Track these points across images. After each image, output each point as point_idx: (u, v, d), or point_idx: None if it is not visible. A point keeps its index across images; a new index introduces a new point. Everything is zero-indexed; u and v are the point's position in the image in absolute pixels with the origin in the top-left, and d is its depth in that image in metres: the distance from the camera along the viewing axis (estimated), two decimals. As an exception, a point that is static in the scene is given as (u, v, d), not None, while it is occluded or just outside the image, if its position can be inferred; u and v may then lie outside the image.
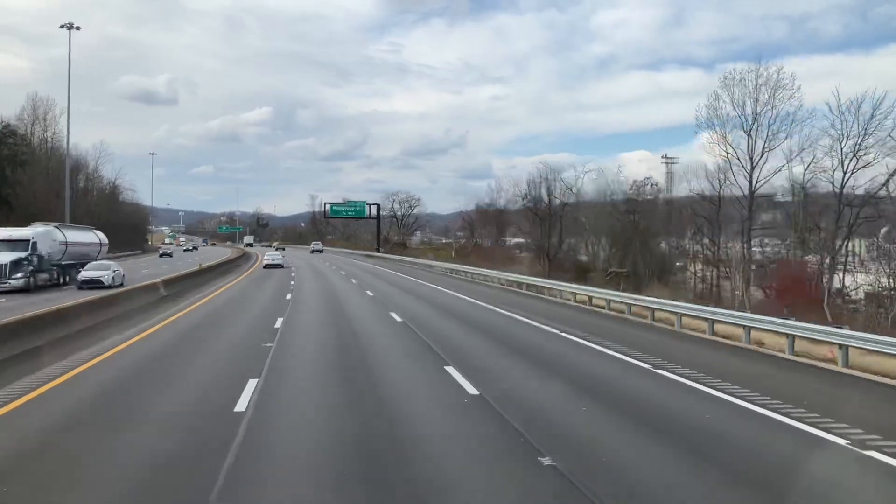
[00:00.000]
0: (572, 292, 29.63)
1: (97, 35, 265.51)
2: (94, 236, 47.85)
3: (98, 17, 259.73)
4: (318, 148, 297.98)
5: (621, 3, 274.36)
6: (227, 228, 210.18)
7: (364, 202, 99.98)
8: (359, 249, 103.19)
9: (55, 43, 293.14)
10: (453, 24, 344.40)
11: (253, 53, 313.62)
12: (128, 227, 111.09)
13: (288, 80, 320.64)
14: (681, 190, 57.56)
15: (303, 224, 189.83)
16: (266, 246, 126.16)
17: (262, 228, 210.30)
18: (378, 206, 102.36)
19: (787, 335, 15.38)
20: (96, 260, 41.41)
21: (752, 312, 24.33)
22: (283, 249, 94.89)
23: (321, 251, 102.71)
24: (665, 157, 64.32)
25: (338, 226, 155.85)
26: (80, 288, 33.79)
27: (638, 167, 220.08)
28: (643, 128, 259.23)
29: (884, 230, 46.09)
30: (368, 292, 32.49)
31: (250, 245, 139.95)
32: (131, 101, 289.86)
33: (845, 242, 44.22)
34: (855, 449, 7.78)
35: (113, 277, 35.46)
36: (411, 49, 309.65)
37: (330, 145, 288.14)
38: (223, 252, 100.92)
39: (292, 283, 39.48)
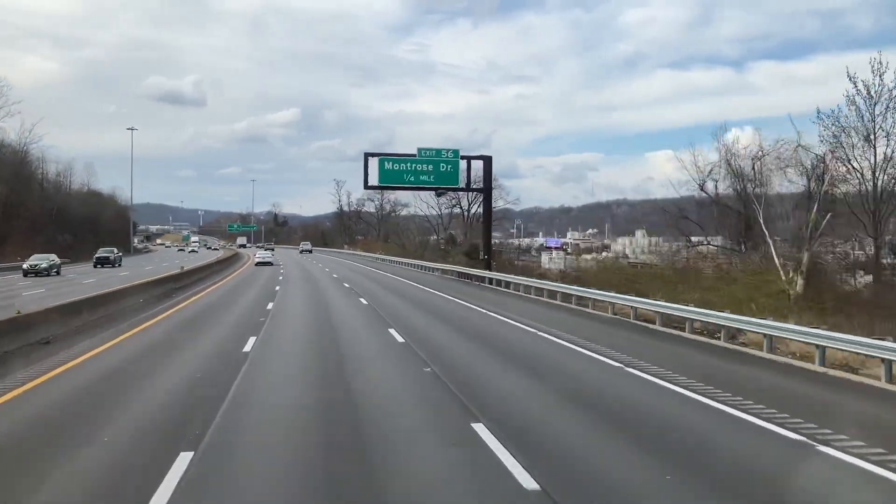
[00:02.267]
0: None
1: (124, 37, 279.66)
2: None
3: (124, 20, 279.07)
4: (344, 148, 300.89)
5: (649, 0, 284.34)
6: (239, 227, 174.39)
7: (457, 152, 43.34)
8: (414, 258, 59.69)
9: (84, 45, 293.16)
10: (478, 24, 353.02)
11: (279, 54, 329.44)
12: (66, 223, 74.95)
13: (314, 81, 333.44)
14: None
15: (328, 224, 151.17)
16: (259, 247, 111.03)
17: (280, 228, 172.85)
18: (488, 160, 45.79)
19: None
20: None
21: None
22: (273, 249, 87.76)
23: (310, 251, 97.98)
24: None
25: (372, 221, 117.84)
26: None
27: (666, 167, 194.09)
28: (669, 127, 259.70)
29: None
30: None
31: (243, 246, 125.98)
32: (158, 102, 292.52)
33: None
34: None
35: None
36: (437, 49, 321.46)
37: (356, 146, 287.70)
38: (202, 258, 68.69)
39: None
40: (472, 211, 78.84)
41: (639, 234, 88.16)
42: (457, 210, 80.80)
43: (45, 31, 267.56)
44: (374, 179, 43.64)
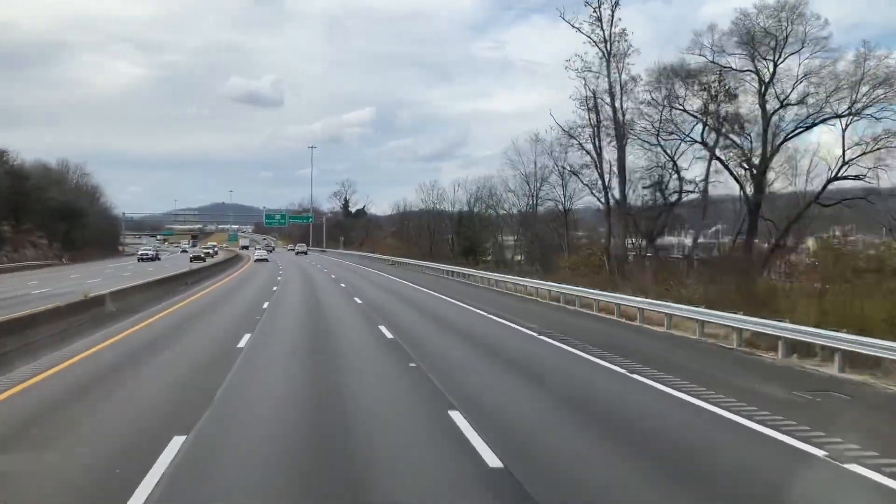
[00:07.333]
0: None
1: (205, 40, 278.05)
2: None
3: (205, 22, 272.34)
4: (417, 148, 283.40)
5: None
6: (283, 218, 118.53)
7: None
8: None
9: (167, 49, 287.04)
10: (556, 18, 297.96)
11: (355, 54, 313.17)
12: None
13: (389, 81, 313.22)
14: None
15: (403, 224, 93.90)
16: (261, 248, 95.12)
17: (354, 220, 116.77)
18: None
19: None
20: None
21: None
22: (272, 250, 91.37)
23: (305, 253, 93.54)
24: None
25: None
26: None
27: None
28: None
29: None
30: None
31: (245, 248, 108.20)
32: (236, 103, 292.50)
33: None
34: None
35: None
36: (514, 45, 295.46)
37: (429, 145, 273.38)
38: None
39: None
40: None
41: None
42: None
43: (132, 36, 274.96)
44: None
